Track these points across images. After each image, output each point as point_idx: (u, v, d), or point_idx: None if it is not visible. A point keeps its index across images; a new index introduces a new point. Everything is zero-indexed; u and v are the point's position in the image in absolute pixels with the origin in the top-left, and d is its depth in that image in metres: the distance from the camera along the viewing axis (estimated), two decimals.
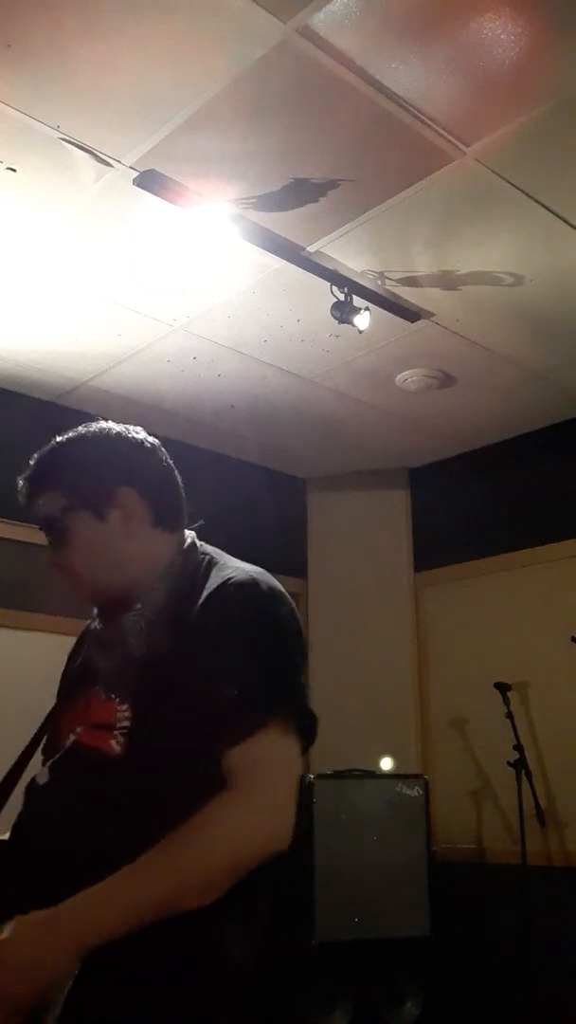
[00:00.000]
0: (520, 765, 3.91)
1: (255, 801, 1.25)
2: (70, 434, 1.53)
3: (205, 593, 1.39)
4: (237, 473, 4.74)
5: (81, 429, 1.53)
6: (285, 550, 4.82)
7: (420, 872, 3.89)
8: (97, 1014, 1.19)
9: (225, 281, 3.22)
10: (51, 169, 2.63)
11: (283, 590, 1.42)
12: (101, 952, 1.17)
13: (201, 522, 1.58)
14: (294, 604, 1.43)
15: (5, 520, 3.86)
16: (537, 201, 2.77)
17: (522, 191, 2.72)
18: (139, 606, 1.44)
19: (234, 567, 1.44)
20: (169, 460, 1.56)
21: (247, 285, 3.24)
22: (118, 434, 1.53)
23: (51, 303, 3.36)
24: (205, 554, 1.50)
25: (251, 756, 1.27)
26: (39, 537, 1.51)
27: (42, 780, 1.42)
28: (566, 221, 2.85)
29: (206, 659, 1.32)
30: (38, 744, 1.51)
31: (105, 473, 1.49)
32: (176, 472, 1.57)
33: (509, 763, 3.94)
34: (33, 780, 1.44)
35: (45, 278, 3.20)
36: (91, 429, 1.53)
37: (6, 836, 1.41)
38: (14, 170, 2.63)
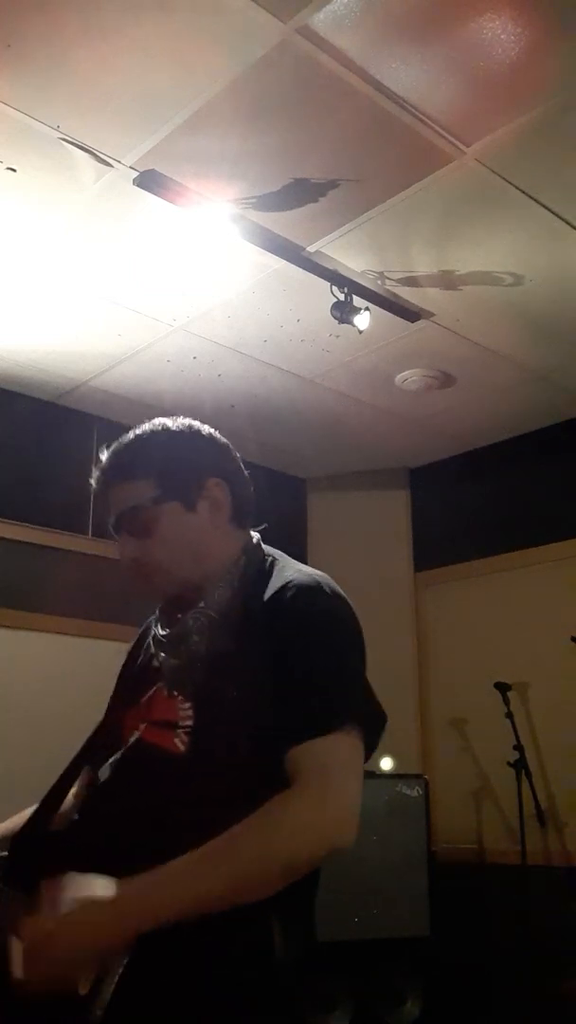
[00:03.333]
0: (520, 765, 3.91)
1: (320, 798, 1.23)
2: (150, 427, 1.53)
3: (269, 593, 1.39)
4: None
5: (159, 422, 1.53)
6: (285, 550, 4.78)
7: (420, 872, 3.89)
8: (145, 1000, 1.20)
9: (225, 281, 3.22)
10: (51, 169, 2.63)
11: (344, 594, 1.41)
12: (154, 939, 1.17)
13: (265, 525, 1.58)
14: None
15: (5, 520, 3.87)
16: (537, 201, 2.77)
17: (522, 191, 2.72)
18: (202, 604, 1.43)
19: (296, 568, 1.44)
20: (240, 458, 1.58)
21: (247, 285, 3.24)
22: (198, 429, 1.55)
23: (51, 303, 3.36)
24: (268, 555, 1.51)
25: (316, 754, 1.25)
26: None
27: (104, 777, 1.41)
28: (566, 221, 2.86)
29: (272, 660, 1.31)
30: (92, 747, 1.50)
31: (197, 464, 1.50)
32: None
33: (509, 763, 3.94)
34: (95, 777, 1.43)
35: (45, 278, 3.20)
36: (171, 423, 1.53)
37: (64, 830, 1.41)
38: (14, 170, 2.63)
